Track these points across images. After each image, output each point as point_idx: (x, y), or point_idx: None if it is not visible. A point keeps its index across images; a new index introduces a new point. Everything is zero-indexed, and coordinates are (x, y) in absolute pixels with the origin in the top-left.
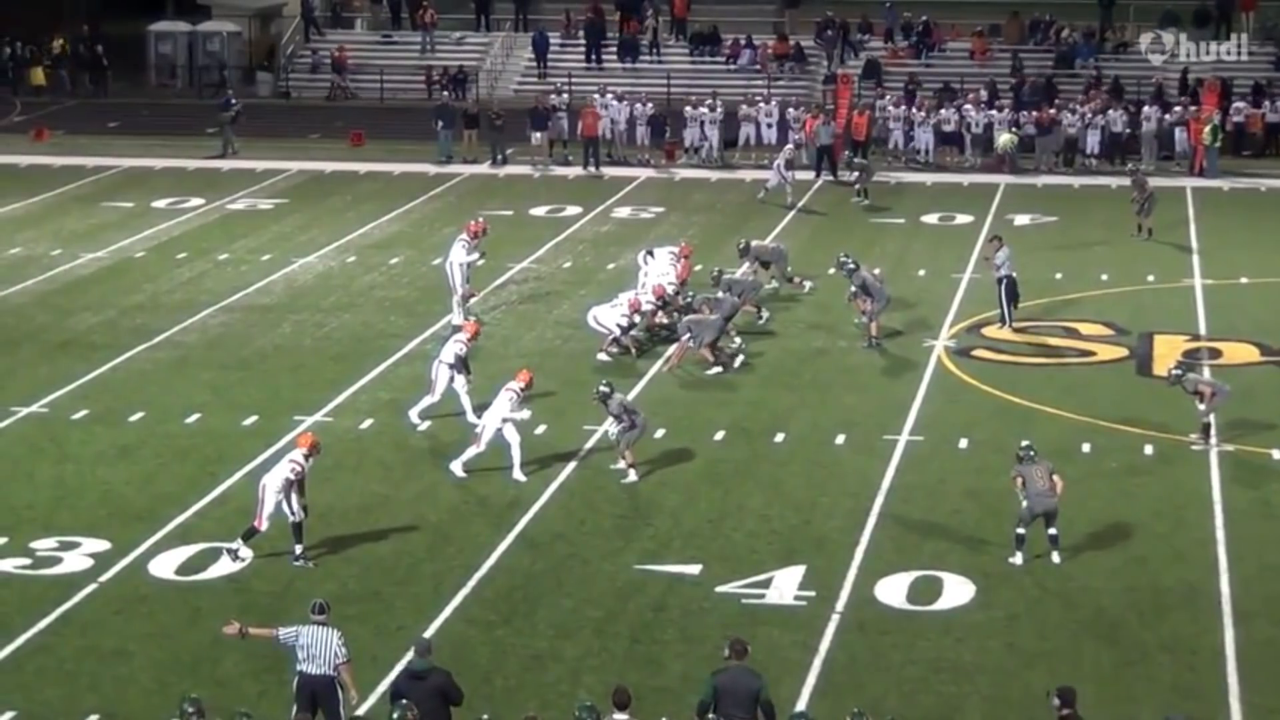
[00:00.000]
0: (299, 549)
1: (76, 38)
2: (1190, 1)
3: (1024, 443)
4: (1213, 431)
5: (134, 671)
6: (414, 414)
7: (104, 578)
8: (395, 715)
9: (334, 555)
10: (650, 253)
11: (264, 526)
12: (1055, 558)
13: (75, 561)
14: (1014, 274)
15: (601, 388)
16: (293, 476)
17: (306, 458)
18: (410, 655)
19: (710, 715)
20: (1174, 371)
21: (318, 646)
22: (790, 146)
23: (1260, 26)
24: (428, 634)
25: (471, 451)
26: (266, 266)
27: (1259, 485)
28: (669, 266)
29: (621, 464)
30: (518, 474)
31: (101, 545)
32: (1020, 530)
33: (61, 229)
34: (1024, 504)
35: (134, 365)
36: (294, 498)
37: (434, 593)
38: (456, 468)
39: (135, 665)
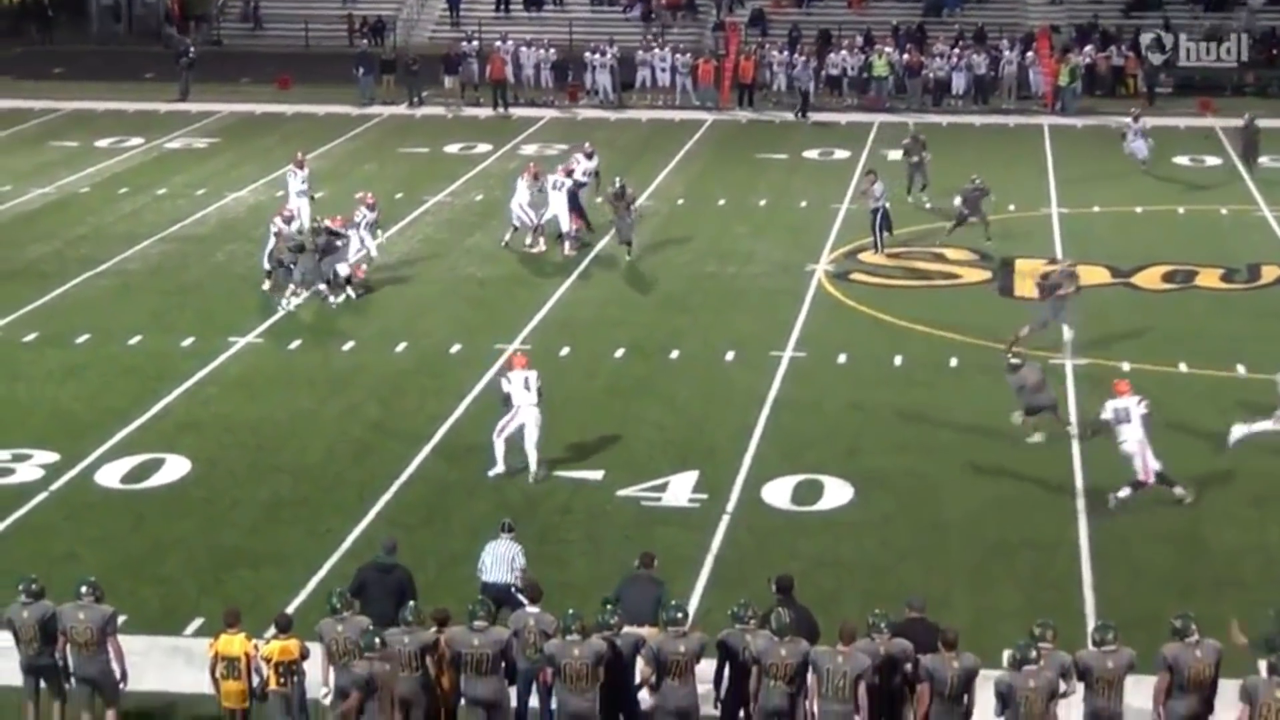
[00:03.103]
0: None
1: None
2: None
3: None
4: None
5: (83, 572)
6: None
7: (54, 486)
8: (334, 600)
9: (267, 465)
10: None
11: (1151, 479)
12: None
13: (27, 472)
14: (887, 205)
15: None
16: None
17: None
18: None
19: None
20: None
21: (500, 556)
22: (1134, 125)
23: None
24: (353, 536)
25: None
26: (201, 200)
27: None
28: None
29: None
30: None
31: (52, 457)
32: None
33: (10, 167)
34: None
35: (80, 292)
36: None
37: (358, 499)
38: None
39: (84, 567)
